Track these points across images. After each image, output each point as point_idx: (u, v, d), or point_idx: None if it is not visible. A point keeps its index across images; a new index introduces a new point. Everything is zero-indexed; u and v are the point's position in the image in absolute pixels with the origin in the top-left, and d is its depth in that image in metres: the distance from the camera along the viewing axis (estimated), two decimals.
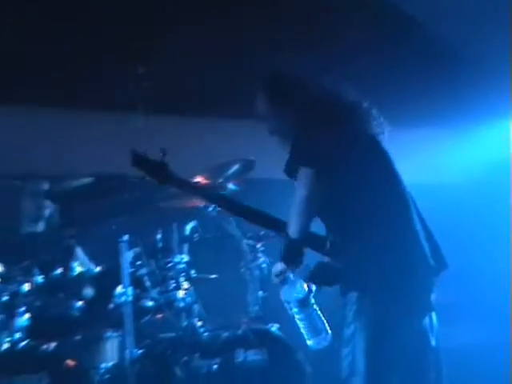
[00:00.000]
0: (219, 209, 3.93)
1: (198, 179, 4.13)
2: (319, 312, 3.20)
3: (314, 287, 3.10)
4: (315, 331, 3.15)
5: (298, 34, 4.76)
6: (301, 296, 3.11)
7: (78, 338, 3.96)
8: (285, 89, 2.99)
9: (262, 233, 4.24)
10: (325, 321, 3.15)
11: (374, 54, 4.98)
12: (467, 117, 5.58)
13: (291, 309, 3.16)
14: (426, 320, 2.71)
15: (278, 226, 3.08)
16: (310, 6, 4.52)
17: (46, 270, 3.90)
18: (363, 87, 3.50)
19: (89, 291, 3.97)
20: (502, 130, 6.00)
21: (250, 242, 4.34)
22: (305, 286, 3.11)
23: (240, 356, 3.93)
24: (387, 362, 2.69)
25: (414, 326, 2.68)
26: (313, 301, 3.27)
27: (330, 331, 3.13)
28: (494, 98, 5.21)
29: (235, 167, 4.30)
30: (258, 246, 4.30)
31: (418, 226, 2.77)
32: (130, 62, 3.82)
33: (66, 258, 4.03)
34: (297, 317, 3.16)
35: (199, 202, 4.19)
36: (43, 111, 4.76)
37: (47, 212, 4.17)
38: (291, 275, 3.08)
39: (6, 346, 3.59)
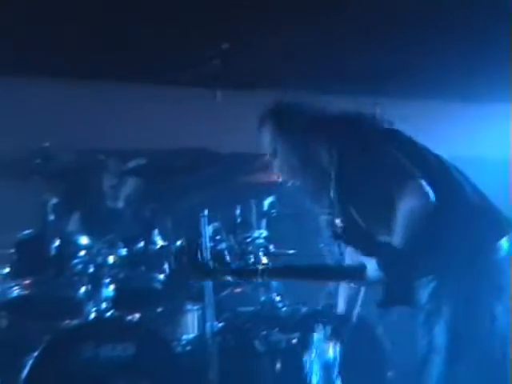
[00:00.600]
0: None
1: None
2: None
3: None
4: None
5: None
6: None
7: (160, 310, 4.08)
8: (292, 118, 2.91)
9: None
10: None
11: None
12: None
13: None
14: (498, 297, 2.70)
15: (353, 273, 3.00)
16: None
17: (128, 243, 4.02)
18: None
19: (170, 265, 4.06)
20: None
21: (328, 217, 4.37)
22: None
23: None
24: (467, 339, 2.70)
25: (488, 303, 2.64)
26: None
27: None
28: None
29: None
30: (337, 221, 4.46)
31: (475, 198, 2.73)
32: (207, 39, 3.85)
33: (148, 232, 4.13)
34: None
35: (278, 178, 4.03)
36: (123, 88, 4.88)
37: (130, 187, 4.34)
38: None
39: (92, 315, 3.75)
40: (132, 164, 4.42)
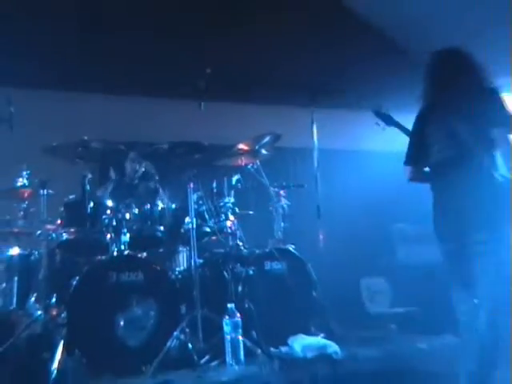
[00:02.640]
0: None
1: (242, 145, 4.72)
2: None
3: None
4: None
5: None
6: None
7: (161, 250, 4.64)
8: None
9: (284, 183, 4.91)
10: None
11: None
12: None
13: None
14: None
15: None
16: None
17: (140, 205, 4.45)
18: None
19: (168, 220, 4.54)
20: None
21: (276, 189, 4.90)
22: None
23: (267, 265, 4.51)
24: None
25: None
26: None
27: None
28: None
29: (267, 138, 4.75)
30: (281, 192, 4.88)
31: None
32: (199, 64, 4.31)
33: (153, 198, 4.58)
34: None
35: (242, 162, 4.81)
36: (140, 100, 5.30)
37: (142, 167, 4.68)
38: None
39: (115, 253, 4.25)
40: (144, 152, 4.68)
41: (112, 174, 4.53)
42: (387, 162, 5.22)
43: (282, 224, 4.85)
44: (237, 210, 4.79)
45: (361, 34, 4.98)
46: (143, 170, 4.62)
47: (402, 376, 3.91)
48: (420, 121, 3.43)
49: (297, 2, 4.64)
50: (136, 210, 4.45)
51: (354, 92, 5.37)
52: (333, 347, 4.06)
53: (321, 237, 5.15)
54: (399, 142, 4.88)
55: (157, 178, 4.75)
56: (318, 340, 4.23)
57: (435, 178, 3.34)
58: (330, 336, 4.35)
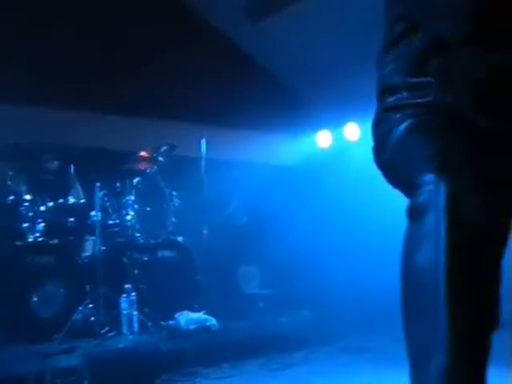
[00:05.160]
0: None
1: (143, 153, 5.02)
2: None
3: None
4: None
5: None
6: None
7: (70, 238, 4.77)
8: None
9: (177, 186, 5.14)
10: None
11: None
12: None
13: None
14: None
15: None
16: None
17: (54, 199, 4.65)
18: None
19: (77, 213, 4.72)
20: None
21: (169, 190, 5.13)
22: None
23: (160, 253, 4.81)
24: None
25: None
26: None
27: None
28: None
29: (164, 148, 5.04)
30: (174, 193, 5.15)
31: None
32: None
33: (65, 194, 4.76)
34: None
35: (143, 167, 5.05)
36: (80, 115, 5.41)
37: (57, 167, 4.82)
38: None
39: (30, 239, 4.45)
40: (58, 154, 4.81)
41: (27, 172, 4.71)
42: (264, 171, 5.70)
43: (174, 219, 5.06)
44: (136, 206, 4.96)
45: (244, 71, 5.74)
46: (56, 169, 4.80)
47: (264, 342, 4.52)
48: None
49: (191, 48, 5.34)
50: (50, 203, 4.63)
51: (236, 115, 5.92)
52: (212, 321, 4.45)
53: (205, 231, 5.43)
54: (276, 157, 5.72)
55: (69, 176, 4.89)
56: (200, 315, 4.56)
57: None
58: (209, 312, 4.67)
